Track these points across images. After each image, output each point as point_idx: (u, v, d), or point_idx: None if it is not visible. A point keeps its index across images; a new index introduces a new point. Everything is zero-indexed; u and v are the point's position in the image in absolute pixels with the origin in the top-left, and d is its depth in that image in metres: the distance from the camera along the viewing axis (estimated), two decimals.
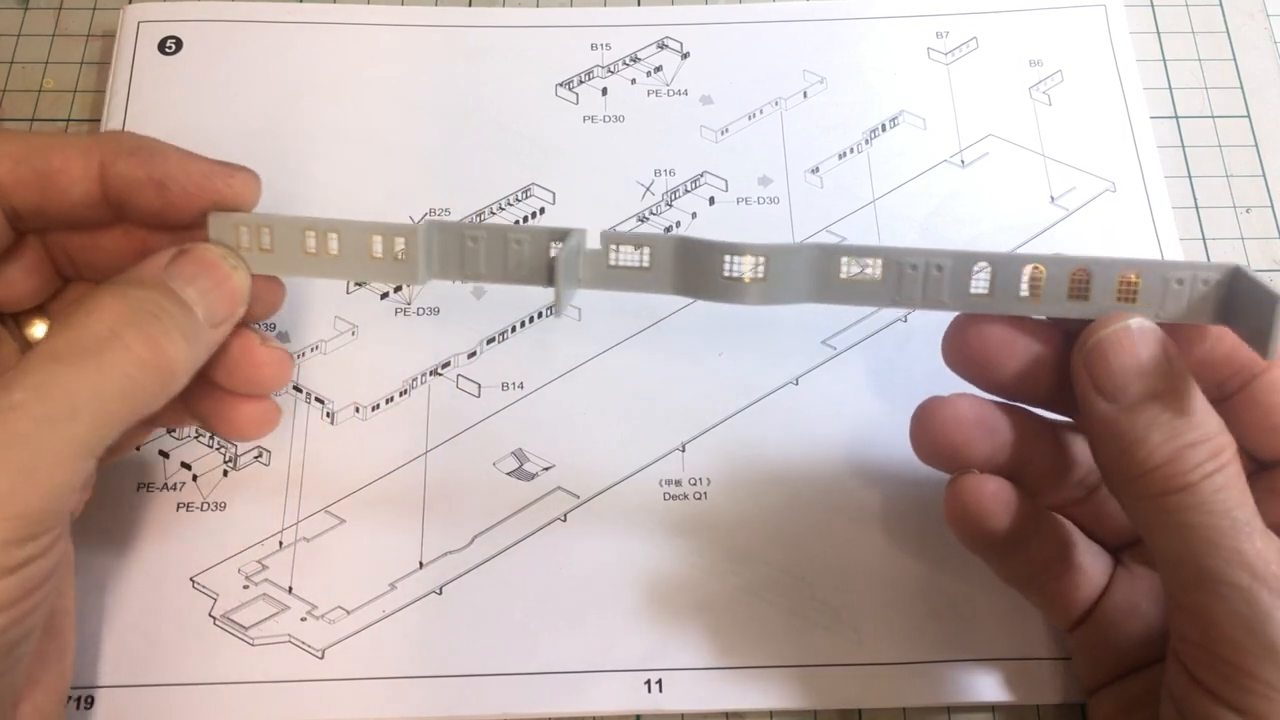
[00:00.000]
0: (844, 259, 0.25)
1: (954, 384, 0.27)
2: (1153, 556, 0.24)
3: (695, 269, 0.25)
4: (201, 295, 0.25)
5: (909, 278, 0.25)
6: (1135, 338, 0.24)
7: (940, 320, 0.26)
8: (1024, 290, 0.25)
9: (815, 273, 0.25)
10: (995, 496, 0.26)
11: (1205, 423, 0.23)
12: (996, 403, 0.27)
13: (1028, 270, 0.25)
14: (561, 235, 0.25)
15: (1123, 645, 0.27)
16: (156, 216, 0.27)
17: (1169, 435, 0.23)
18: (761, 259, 0.24)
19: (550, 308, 0.35)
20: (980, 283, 0.25)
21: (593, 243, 0.26)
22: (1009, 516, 0.26)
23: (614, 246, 0.25)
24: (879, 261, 0.25)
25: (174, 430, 0.33)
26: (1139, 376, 0.24)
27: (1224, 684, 0.22)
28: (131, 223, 0.27)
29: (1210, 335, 0.25)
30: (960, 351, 0.27)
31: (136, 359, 0.23)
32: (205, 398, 0.28)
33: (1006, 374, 0.26)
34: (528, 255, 0.25)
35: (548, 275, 0.25)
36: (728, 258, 0.24)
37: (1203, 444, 0.23)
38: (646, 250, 0.25)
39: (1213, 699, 0.23)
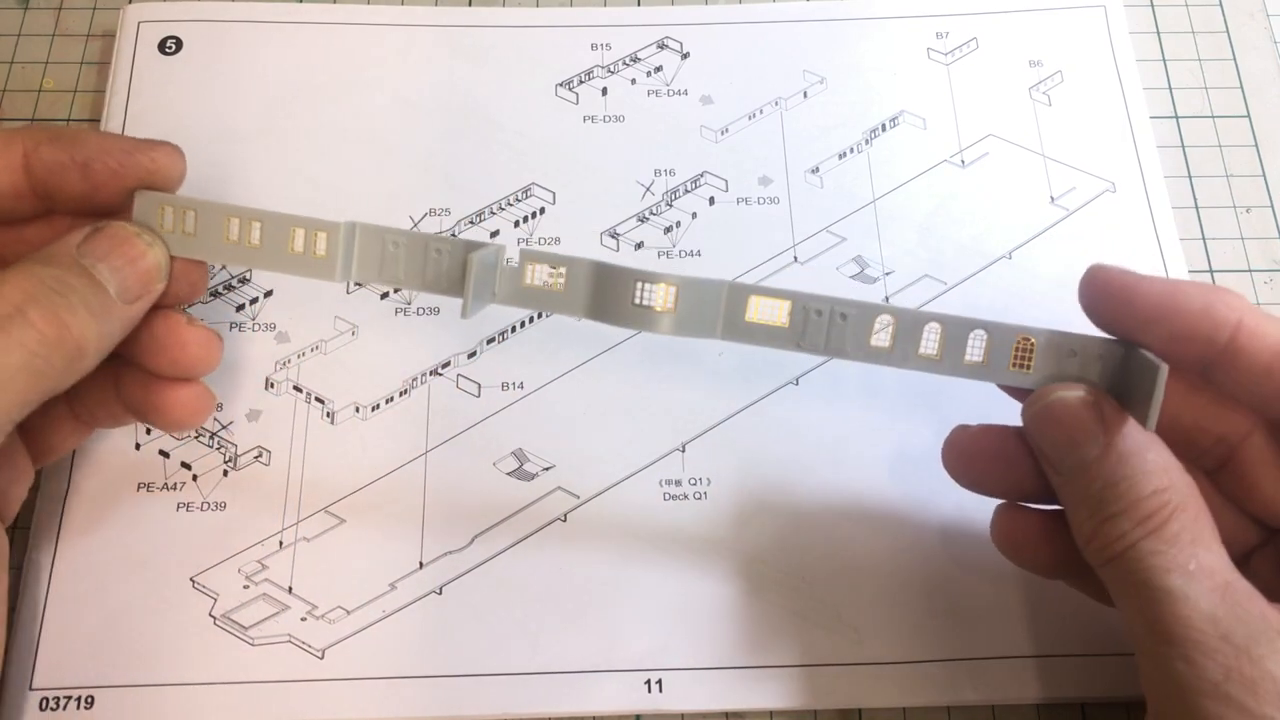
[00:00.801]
0: (751, 299, 0.25)
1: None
2: None
3: (608, 294, 0.25)
4: (114, 272, 0.25)
5: (814, 324, 0.25)
6: (1060, 411, 0.24)
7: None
8: (927, 348, 0.25)
9: (725, 310, 0.25)
10: (1030, 531, 0.26)
11: (1136, 487, 0.23)
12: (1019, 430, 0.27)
13: (929, 328, 0.25)
14: (480, 248, 0.25)
15: None
16: (83, 201, 0.27)
17: (1094, 508, 0.23)
18: (673, 289, 0.25)
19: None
20: (882, 337, 0.25)
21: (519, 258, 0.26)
22: (1053, 546, 0.26)
23: (533, 265, 0.25)
24: (787, 305, 0.25)
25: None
26: (1070, 449, 0.24)
27: None
28: (60, 213, 0.28)
29: (1267, 356, 0.24)
30: (956, 468, 0.27)
31: (39, 335, 0.23)
32: (135, 386, 0.28)
33: (1002, 484, 0.27)
34: (446, 267, 0.26)
35: (463, 285, 0.25)
36: (639, 285, 0.25)
37: (1126, 513, 0.23)
38: (562, 271, 0.25)
39: None
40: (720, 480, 0.33)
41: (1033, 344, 0.24)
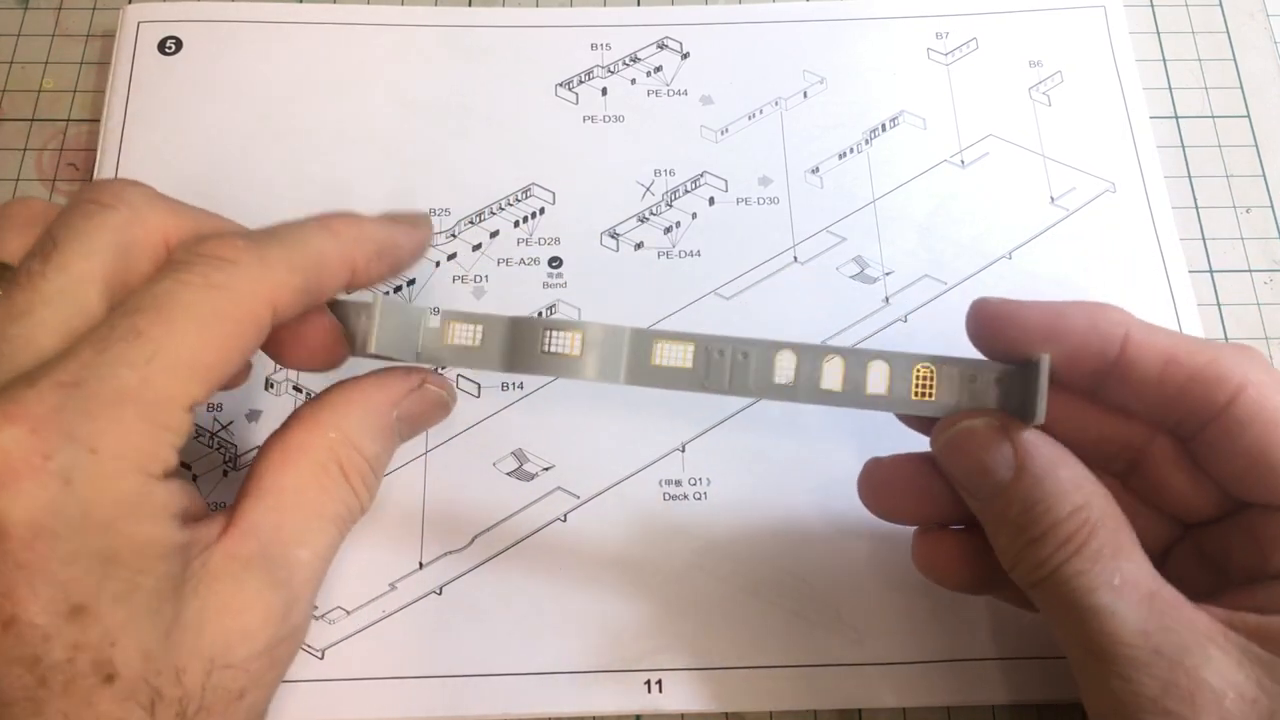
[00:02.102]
0: (656, 344, 0.25)
1: None
2: None
3: (520, 346, 0.25)
4: (411, 428, 0.27)
5: (716, 364, 0.25)
6: (967, 441, 0.24)
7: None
8: (829, 383, 0.25)
9: (629, 356, 0.25)
10: (951, 553, 0.26)
11: (1053, 508, 0.23)
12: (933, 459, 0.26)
13: (830, 361, 0.25)
14: (403, 309, 0.26)
15: None
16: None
17: (1015, 533, 0.23)
18: (579, 336, 0.25)
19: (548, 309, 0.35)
20: (785, 373, 0.25)
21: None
22: (975, 567, 0.26)
23: (451, 325, 0.26)
24: (690, 347, 0.25)
25: None
26: (982, 477, 0.24)
27: None
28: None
29: (1157, 365, 0.24)
30: (874, 502, 0.27)
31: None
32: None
33: (920, 513, 0.27)
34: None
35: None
36: (546, 333, 0.25)
37: (1047, 536, 0.23)
38: (479, 329, 0.26)
39: None
40: (720, 480, 0.33)
41: (931, 372, 0.25)
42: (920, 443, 0.27)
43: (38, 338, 0.21)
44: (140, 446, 0.21)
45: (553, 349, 0.25)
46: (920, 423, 0.27)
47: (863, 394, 0.25)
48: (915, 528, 0.27)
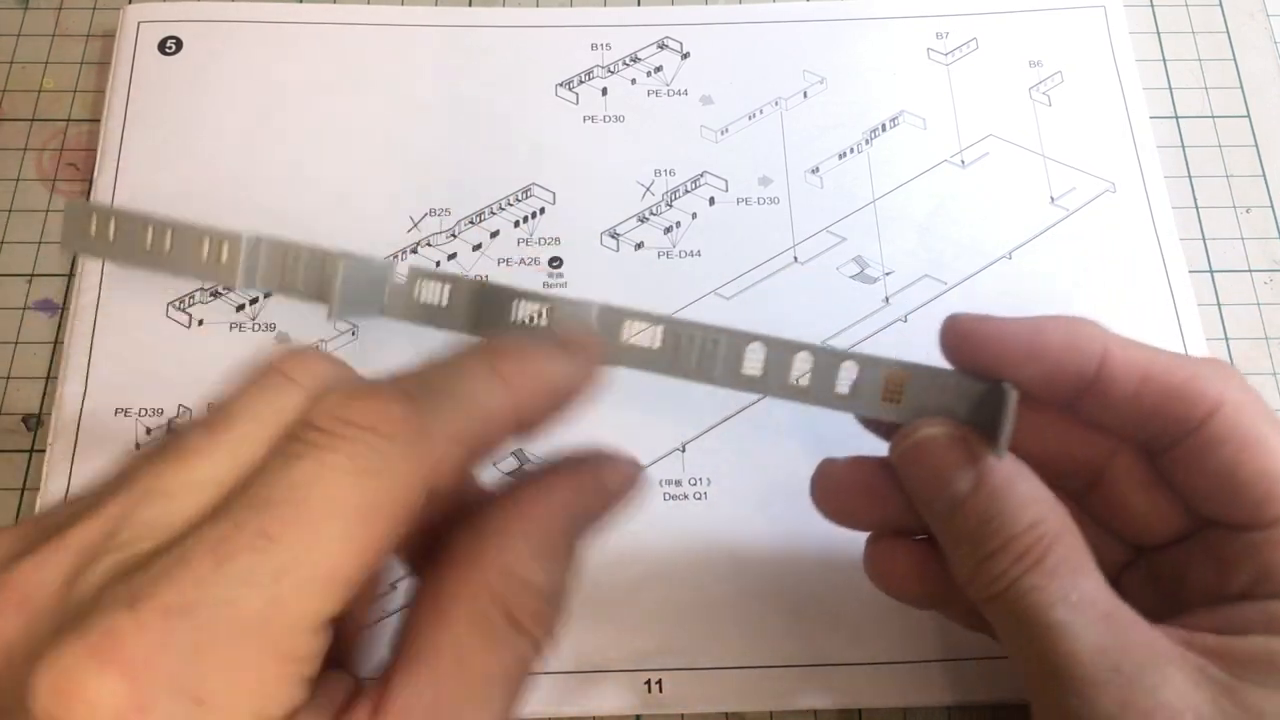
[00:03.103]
0: (626, 323, 0.25)
1: None
2: None
3: (488, 312, 0.25)
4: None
5: (685, 349, 0.25)
6: (928, 448, 0.24)
7: (940, 313, 0.26)
8: (798, 378, 0.24)
9: (599, 331, 0.25)
10: (903, 561, 0.26)
11: (1010, 523, 0.22)
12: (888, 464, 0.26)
13: (799, 357, 0.24)
14: (358, 260, 0.25)
15: None
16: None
17: (972, 546, 0.23)
18: (545, 308, 0.25)
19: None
20: (754, 364, 0.25)
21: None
22: (926, 577, 0.25)
23: (420, 281, 0.26)
24: (659, 329, 0.25)
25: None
26: (940, 487, 0.23)
27: None
28: None
29: (1134, 381, 0.23)
30: (826, 503, 0.26)
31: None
32: None
33: (873, 517, 0.26)
34: (323, 276, 0.25)
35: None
36: (515, 303, 0.25)
37: (1005, 549, 0.22)
38: (447, 288, 0.25)
39: None
40: (720, 480, 0.33)
41: (903, 378, 0.24)
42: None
43: (173, 522, 0.17)
44: (260, 690, 0.17)
45: (520, 318, 0.25)
46: (885, 429, 0.26)
47: (831, 393, 0.24)
48: (868, 535, 0.27)
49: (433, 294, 0.26)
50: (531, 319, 0.25)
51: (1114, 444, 0.25)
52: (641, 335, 0.25)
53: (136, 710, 0.16)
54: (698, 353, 0.25)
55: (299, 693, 0.17)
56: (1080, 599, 0.22)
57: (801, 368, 0.25)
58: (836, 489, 0.26)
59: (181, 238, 0.26)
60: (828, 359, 0.24)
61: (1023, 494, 0.23)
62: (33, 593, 0.17)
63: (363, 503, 0.17)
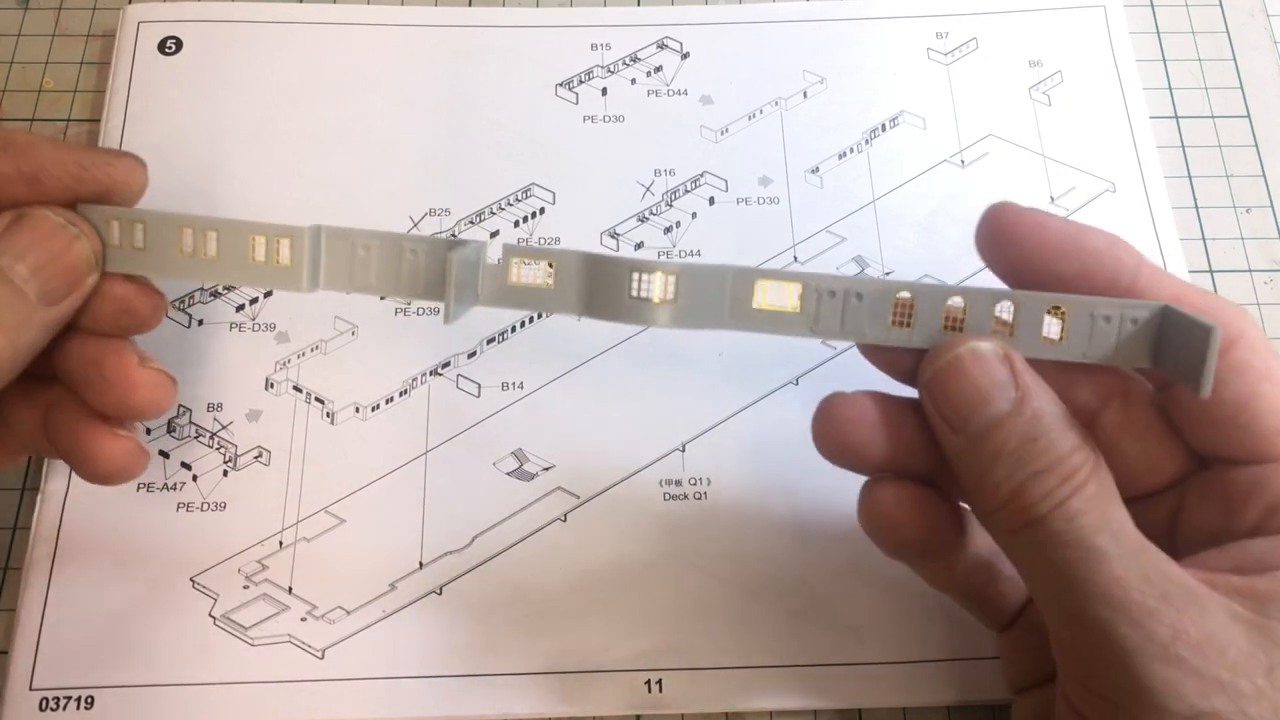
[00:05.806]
0: (758, 284, 0.23)
1: None
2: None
3: (602, 288, 0.23)
4: (34, 272, 0.23)
5: (827, 306, 0.23)
6: (971, 363, 0.23)
7: None
8: (951, 324, 0.23)
9: (730, 297, 0.24)
10: (904, 504, 0.25)
11: (1056, 444, 0.22)
12: (907, 400, 0.25)
13: (950, 301, 0.23)
14: (460, 246, 0.23)
15: (1048, 650, 0.25)
16: None
17: (1014, 466, 0.22)
18: (672, 277, 0.23)
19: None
20: (903, 313, 0.23)
21: (498, 254, 0.24)
22: (924, 523, 0.25)
23: (518, 262, 0.24)
24: (797, 288, 0.23)
25: (173, 430, 0.33)
26: (980, 404, 0.23)
27: (1099, 718, 0.22)
28: None
29: (1163, 299, 0.23)
30: (828, 437, 0.25)
31: None
32: (66, 422, 0.25)
33: (879, 453, 0.25)
34: (423, 266, 0.24)
35: (444, 289, 0.23)
36: (635, 275, 0.23)
37: (1051, 470, 0.22)
38: (550, 267, 0.23)
39: None
40: (720, 480, 0.33)
41: (1065, 313, 0.23)
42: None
43: None
44: None
45: (642, 293, 0.23)
46: (891, 362, 0.25)
47: (987, 335, 0.23)
48: (864, 481, 0.26)
49: (535, 275, 0.24)
50: (655, 292, 0.23)
51: (1109, 388, 0.25)
52: (778, 298, 0.24)
53: None
54: (841, 310, 0.23)
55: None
56: (1119, 529, 0.22)
57: (955, 315, 0.23)
58: (842, 422, 0.25)
59: (229, 238, 0.24)
60: (980, 301, 0.23)
61: (1065, 418, 0.23)
62: None
63: None
